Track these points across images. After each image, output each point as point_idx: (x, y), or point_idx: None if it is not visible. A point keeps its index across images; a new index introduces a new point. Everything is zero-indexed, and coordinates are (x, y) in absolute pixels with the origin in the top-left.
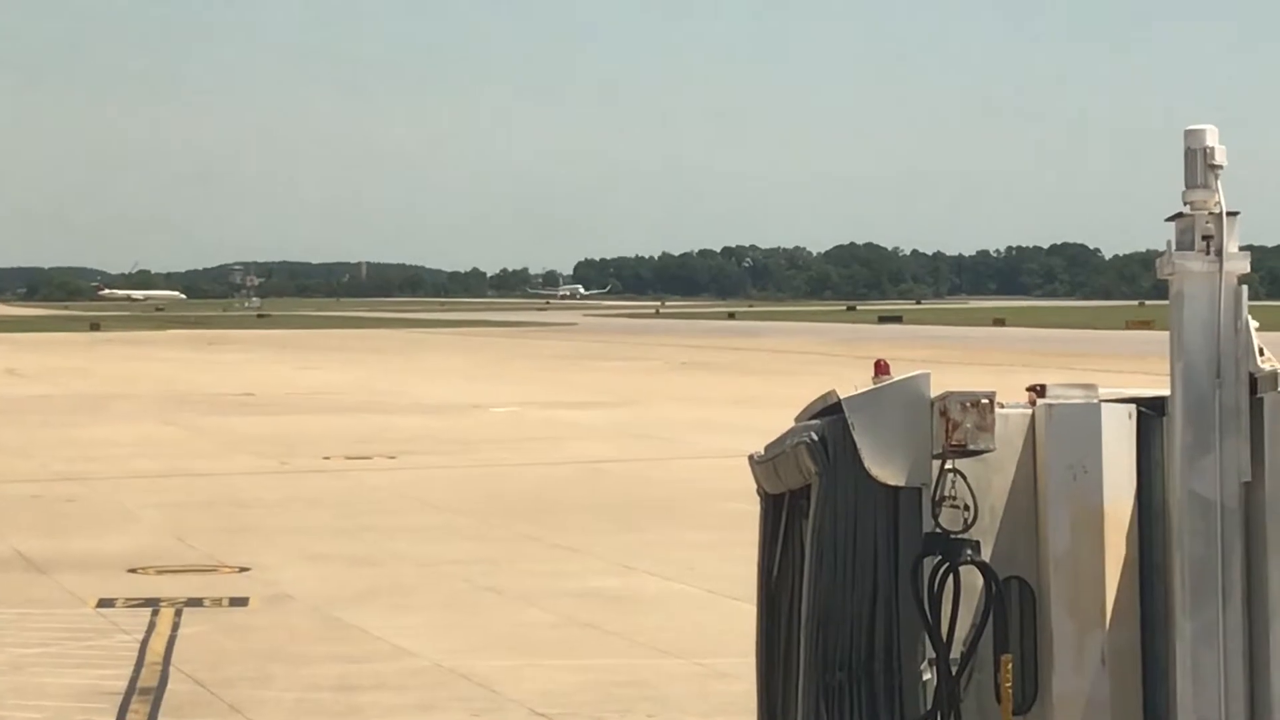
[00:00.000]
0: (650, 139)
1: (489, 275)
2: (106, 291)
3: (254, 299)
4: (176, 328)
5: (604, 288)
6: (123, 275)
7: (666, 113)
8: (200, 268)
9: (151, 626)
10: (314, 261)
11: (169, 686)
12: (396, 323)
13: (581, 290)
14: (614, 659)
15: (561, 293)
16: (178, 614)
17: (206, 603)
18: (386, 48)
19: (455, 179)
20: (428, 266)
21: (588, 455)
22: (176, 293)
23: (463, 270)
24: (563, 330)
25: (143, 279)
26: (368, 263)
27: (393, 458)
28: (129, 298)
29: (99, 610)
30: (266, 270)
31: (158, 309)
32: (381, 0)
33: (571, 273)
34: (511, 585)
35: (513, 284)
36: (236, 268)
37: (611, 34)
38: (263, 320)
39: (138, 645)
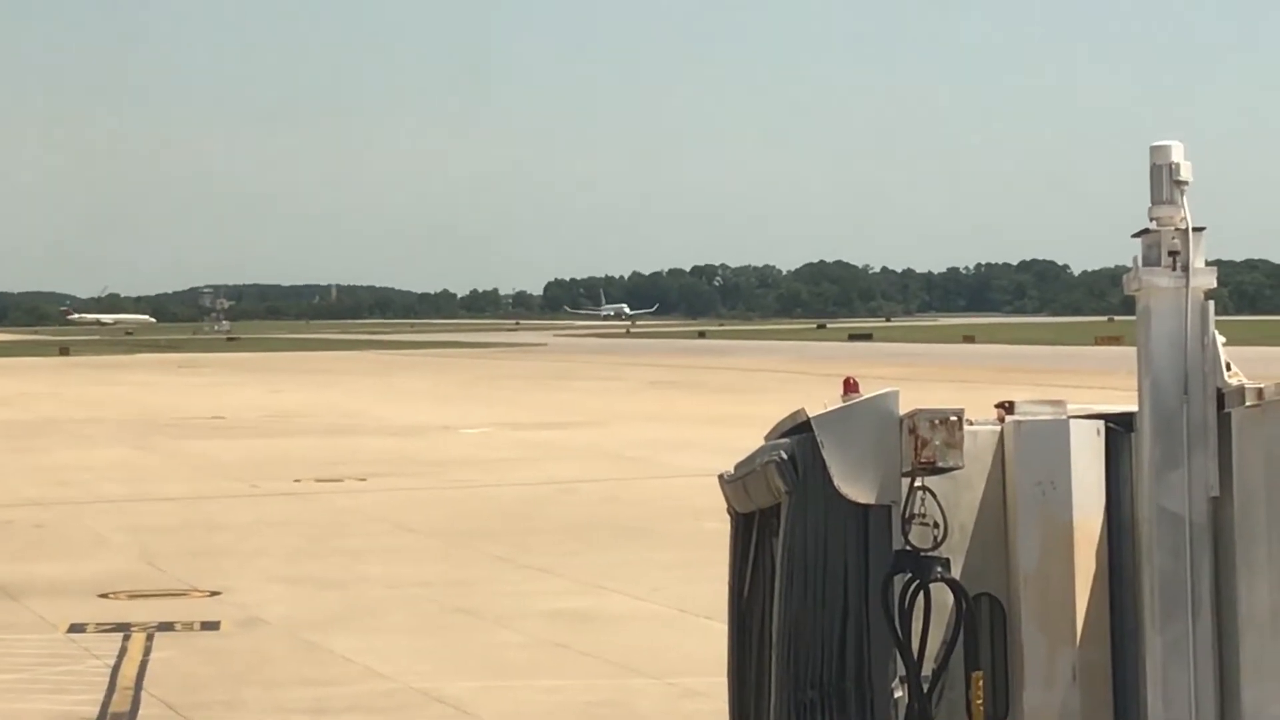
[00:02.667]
0: (618, 157)
1: (459, 296)
2: (75, 315)
3: (224, 322)
4: (146, 351)
5: (651, 307)
6: (92, 299)
7: (635, 131)
8: (170, 291)
9: (123, 651)
10: (284, 284)
11: (141, 712)
12: (367, 344)
13: (626, 309)
14: (585, 679)
15: (604, 312)
16: (149, 638)
17: (178, 627)
18: (354, 68)
19: (425, 200)
20: (397, 288)
21: (558, 475)
22: (146, 316)
23: (433, 291)
24: (533, 351)
25: (112, 302)
26: (338, 285)
27: (363, 480)
28: (98, 321)
29: (70, 635)
30: (236, 293)
31: (127, 333)
32: (348, 16)
33: (542, 293)
34: (483, 606)
35: (482, 305)
36: (206, 290)
37: (579, 51)
38: (233, 343)
39: (109, 670)
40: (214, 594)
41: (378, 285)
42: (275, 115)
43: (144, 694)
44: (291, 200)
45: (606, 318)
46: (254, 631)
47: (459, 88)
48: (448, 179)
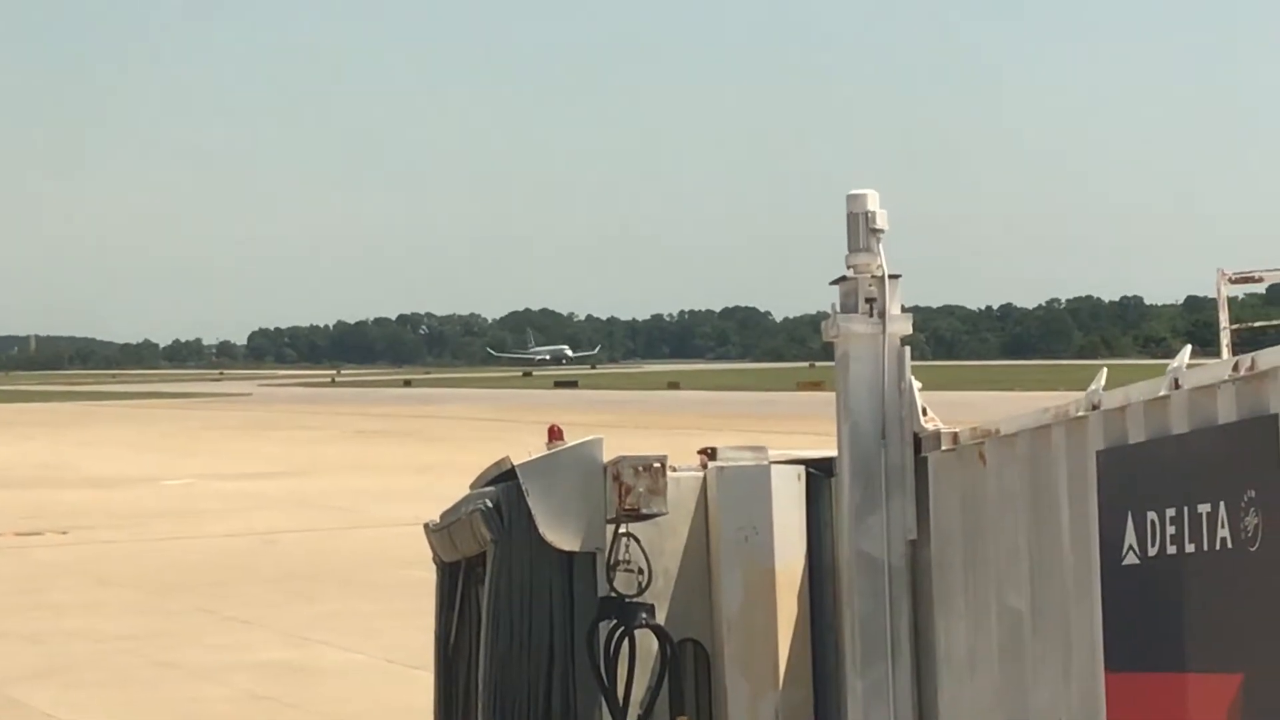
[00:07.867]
0: (320, 206)
1: (162, 346)
2: None
3: None
4: None
5: (593, 349)
6: None
7: (337, 178)
8: None
9: None
10: None
11: None
12: (67, 395)
13: (569, 352)
14: None
15: (539, 356)
16: None
17: None
18: (38, 115)
19: (126, 250)
20: (99, 339)
21: (263, 526)
22: None
23: (135, 342)
24: (237, 401)
25: None
26: (37, 335)
27: (64, 533)
28: None
29: None
30: None
31: None
32: (42, 61)
33: (245, 343)
34: (186, 660)
35: (185, 355)
36: None
37: (279, 97)
38: None
39: None
40: None
41: (79, 336)
42: None
43: None
44: None
45: (542, 362)
46: None
47: (157, 137)
48: (149, 230)
